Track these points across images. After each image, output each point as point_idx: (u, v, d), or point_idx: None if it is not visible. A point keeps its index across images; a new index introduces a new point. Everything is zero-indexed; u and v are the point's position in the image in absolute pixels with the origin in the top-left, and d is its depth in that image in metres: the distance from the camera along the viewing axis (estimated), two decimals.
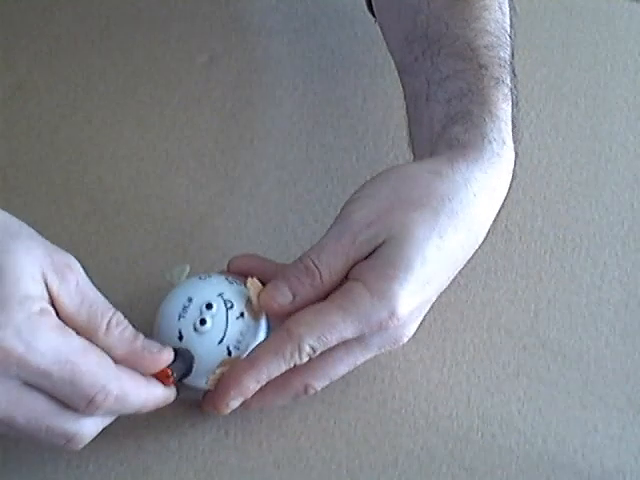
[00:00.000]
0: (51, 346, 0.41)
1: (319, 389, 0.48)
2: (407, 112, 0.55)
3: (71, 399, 0.42)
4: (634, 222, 0.60)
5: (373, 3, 0.63)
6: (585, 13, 0.71)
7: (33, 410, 0.41)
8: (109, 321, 0.43)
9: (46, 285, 0.42)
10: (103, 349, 0.43)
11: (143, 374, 0.44)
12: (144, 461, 0.49)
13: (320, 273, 0.46)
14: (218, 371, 0.46)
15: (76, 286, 0.43)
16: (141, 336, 0.44)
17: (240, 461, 0.49)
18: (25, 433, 0.42)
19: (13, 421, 0.41)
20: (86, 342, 0.42)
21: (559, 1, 0.72)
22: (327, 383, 0.48)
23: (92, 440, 0.44)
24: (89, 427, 0.43)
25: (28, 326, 0.40)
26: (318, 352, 0.45)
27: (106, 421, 0.45)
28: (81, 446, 0.44)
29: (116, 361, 0.43)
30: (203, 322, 0.46)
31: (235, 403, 0.46)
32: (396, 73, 0.58)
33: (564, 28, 0.70)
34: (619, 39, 0.70)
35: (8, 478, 0.48)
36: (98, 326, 0.43)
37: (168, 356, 0.45)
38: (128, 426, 0.49)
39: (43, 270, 0.42)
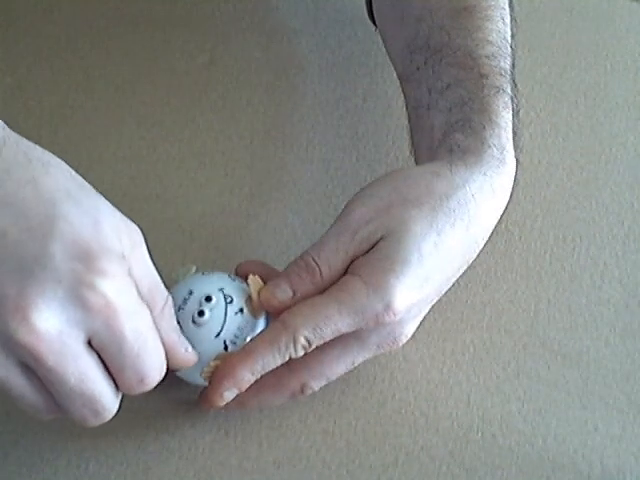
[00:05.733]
0: (136, 313, 0.40)
1: (316, 389, 0.48)
2: (409, 120, 0.55)
3: (126, 373, 0.40)
4: (634, 222, 0.60)
5: (374, 11, 0.63)
6: (585, 13, 0.71)
7: (87, 372, 0.39)
8: (165, 301, 0.43)
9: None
10: None
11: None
12: (144, 461, 0.49)
13: (320, 270, 0.46)
14: (213, 364, 0.46)
15: (142, 255, 0.42)
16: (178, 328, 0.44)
17: (240, 461, 0.49)
18: (63, 396, 0.40)
19: (64, 377, 0.39)
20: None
21: (559, 1, 0.72)
22: (324, 383, 0.48)
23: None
24: (116, 408, 0.42)
25: (125, 284, 0.39)
26: (314, 345, 0.45)
27: None
28: (96, 425, 0.42)
29: None
30: (201, 314, 0.46)
31: (229, 395, 0.46)
32: (396, 73, 0.58)
33: (564, 28, 0.70)
34: (619, 39, 0.70)
35: (8, 478, 0.48)
36: (156, 303, 0.42)
37: (194, 358, 0.45)
38: (128, 426, 0.49)
39: (121, 232, 0.41)
